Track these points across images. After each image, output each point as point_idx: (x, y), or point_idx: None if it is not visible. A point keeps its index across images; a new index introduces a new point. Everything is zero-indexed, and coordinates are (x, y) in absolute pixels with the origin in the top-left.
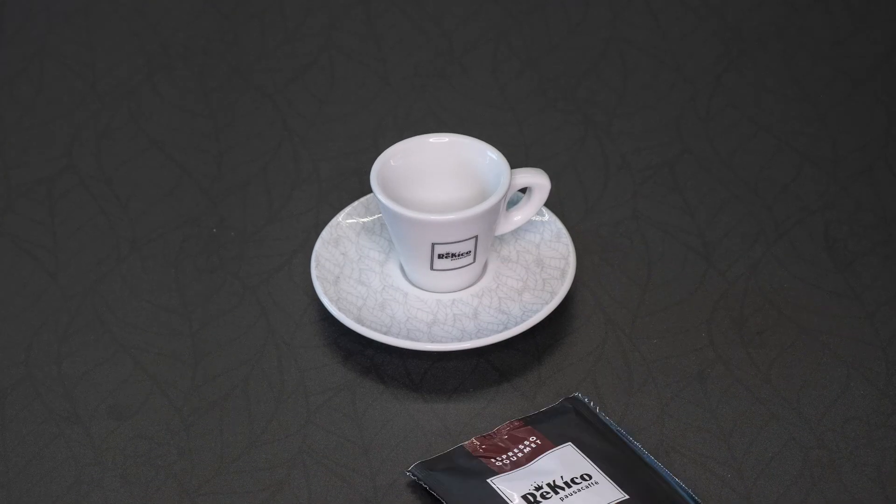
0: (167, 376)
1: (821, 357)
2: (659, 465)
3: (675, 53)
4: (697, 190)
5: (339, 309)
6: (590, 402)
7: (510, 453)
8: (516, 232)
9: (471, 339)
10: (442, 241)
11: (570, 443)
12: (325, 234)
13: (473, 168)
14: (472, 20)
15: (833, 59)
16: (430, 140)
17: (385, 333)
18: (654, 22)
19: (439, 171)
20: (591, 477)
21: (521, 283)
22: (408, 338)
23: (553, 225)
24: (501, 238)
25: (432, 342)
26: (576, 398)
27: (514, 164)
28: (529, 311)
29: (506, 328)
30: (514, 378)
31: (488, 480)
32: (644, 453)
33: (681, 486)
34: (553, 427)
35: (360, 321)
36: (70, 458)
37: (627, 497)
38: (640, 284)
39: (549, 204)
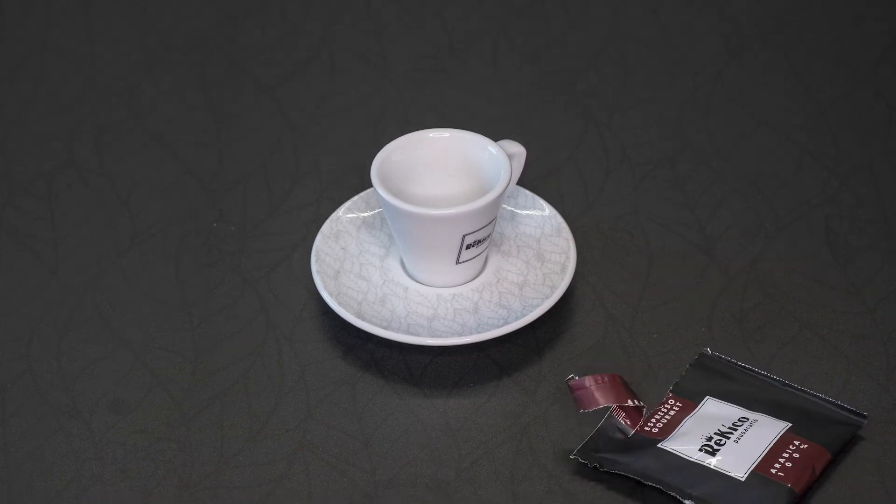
0: (167, 371)
1: (821, 352)
2: (806, 390)
3: (675, 48)
4: (698, 184)
5: (340, 303)
6: (710, 352)
7: (657, 417)
8: (516, 227)
9: (471, 333)
10: (472, 230)
11: (707, 396)
12: (326, 228)
13: (474, 163)
14: (472, 14)
15: (833, 54)
16: (431, 135)
17: (385, 328)
18: (654, 16)
19: (440, 166)
20: (748, 418)
21: (521, 278)
22: (408, 332)
23: (553, 219)
24: (502, 233)
25: (433, 337)
26: (702, 354)
27: None
28: (530, 306)
29: (506, 323)
30: (514, 373)
31: (659, 446)
32: (785, 383)
33: (835, 403)
34: (685, 387)
35: (360, 316)
36: (70, 452)
37: (791, 424)
38: (640, 279)
39: (550, 198)
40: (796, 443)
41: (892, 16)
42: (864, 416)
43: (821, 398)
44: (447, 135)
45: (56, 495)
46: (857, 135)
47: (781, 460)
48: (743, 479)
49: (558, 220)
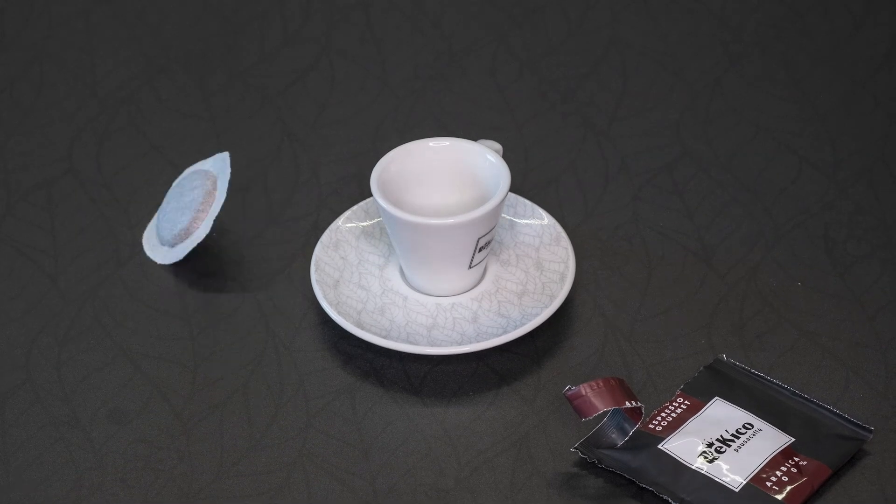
0: (167, 380)
1: (820, 360)
2: (815, 401)
3: (674, 56)
4: (697, 193)
5: (339, 313)
6: (725, 357)
7: (664, 413)
8: (515, 236)
9: (470, 342)
10: (485, 231)
11: (716, 397)
12: (325, 238)
13: (473, 171)
14: (471, 23)
15: (832, 62)
16: (430, 144)
17: (385, 337)
18: (653, 24)
19: (439, 175)
20: (752, 425)
21: (520, 287)
22: (407, 341)
23: (552, 228)
24: (501, 242)
25: (432, 346)
26: (717, 359)
27: (514, 167)
28: (529, 315)
29: (505, 332)
30: (513, 382)
31: (659, 447)
32: (795, 393)
33: (842, 416)
34: (696, 386)
35: (359, 325)
36: (70, 462)
37: (794, 439)
38: (639, 288)
39: (549, 207)
40: (796, 459)
41: (891, 24)
42: (871, 431)
43: (828, 410)
44: (447, 143)
45: None
46: (855, 143)
47: (779, 474)
48: (737, 490)
49: (557, 229)
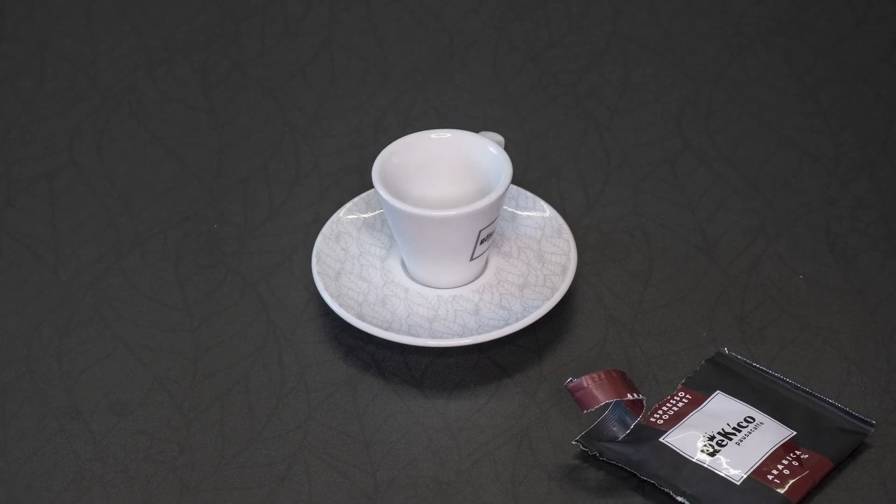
0: (168, 372)
1: (822, 353)
2: (817, 394)
3: (676, 49)
4: (699, 186)
5: (340, 305)
6: (727, 351)
7: (665, 407)
8: (517, 228)
9: (472, 334)
10: (487, 224)
11: (718, 391)
12: (326, 229)
13: (474, 164)
14: (472, 15)
15: (834, 55)
16: (432, 136)
17: (386, 329)
18: (655, 17)
19: (440, 167)
20: (754, 419)
21: (522, 279)
22: (409, 333)
23: (554, 221)
24: (503, 234)
25: (433, 338)
26: (719, 353)
27: (516, 160)
28: (530, 307)
29: (507, 324)
30: (515, 374)
31: (661, 440)
32: (797, 386)
33: (844, 409)
34: (698, 380)
35: (361, 317)
36: (71, 453)
37: (795, 433)
38: (641, 280)
39: (550, 199)
40: (797, 452)
41: (893, 17)
42: (872, 425)
43: (830, 403)
44: (448, 136)
45: (56, 496)
46: (857, 136)
47: (780, 467)
48: (738, 483)
49: (559, 221)
